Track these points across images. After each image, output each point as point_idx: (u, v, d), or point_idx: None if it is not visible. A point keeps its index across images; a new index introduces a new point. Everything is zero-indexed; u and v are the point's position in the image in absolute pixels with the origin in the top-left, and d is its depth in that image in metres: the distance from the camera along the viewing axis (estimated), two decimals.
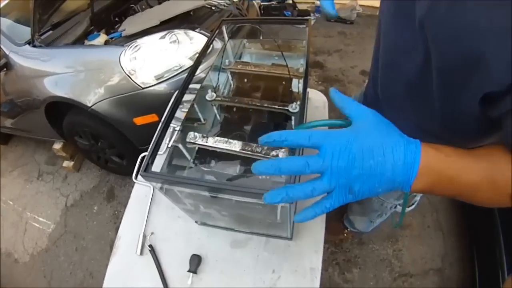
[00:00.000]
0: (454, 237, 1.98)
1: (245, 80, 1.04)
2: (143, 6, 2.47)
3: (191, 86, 0.86)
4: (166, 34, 1.87)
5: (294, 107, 0.86)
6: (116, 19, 2.41)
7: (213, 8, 2.30)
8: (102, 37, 2.12)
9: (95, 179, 2.64)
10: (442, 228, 2.02)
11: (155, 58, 1.79)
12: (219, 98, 0.93)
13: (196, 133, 0.80)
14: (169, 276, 0.95)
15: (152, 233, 1.04)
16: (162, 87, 1.78)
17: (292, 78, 0.96)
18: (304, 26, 1.02)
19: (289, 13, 3.63)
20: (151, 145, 0.71)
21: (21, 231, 2.42)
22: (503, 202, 0.44)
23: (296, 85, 0.99)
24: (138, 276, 0.97)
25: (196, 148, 0.84)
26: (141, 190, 1.19)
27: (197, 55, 0.92)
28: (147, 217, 1.09)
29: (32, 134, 2.64)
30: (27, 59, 1.98)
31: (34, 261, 2.22)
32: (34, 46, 1.97)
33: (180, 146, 0.83)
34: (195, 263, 0.92)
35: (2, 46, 2.04)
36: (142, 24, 2.08)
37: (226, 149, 0.76)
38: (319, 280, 0.87)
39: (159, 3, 2.41)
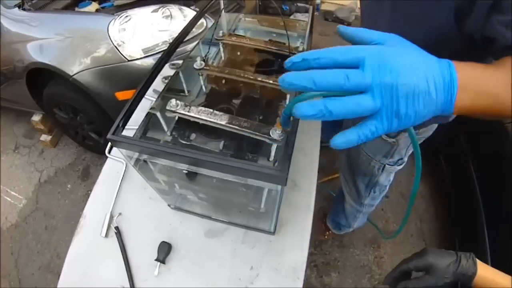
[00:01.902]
0: (436, 247, 1.94)
1: (238, 53, 0.94)
2: None
3: (175, 62, 0.76)
4: (159, 8, 1.75)
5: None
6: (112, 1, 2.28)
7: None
8: (93, 6, 1.99)
9: (72, 156, 2.51)
10: (425, 237, 1.98)
11: (145, 31, 1.67)
12: (208, 68, 0.82)
13: (178, 101, 0.70)
14: (134, 263, 0.84)
15: (119, 214, 0.94)
16: (148, 62, 1.66)
17: (292, 54, 0.87)
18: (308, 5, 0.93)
19: (287, 7, 3.54)
20: (125, 107, 0.61)
21: None
22: None
23: None
24: (100, 261, 0.86)
25: (176, 118, 0.73)
26: (114, 166, 1.08)
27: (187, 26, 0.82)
28: (116, 195, 0.98)
29: (13, 104, 2.50)
30: (15, 23, 1.84)
31: (3, 237, 2.10)
32: (24, 9, 1.84)
33: (158, 114, 0.72)
34: (164, 251, 0.82)
35: None
36: None
37: (211, 121, 0.66)
38: (302, 281, 0.78)
39: None
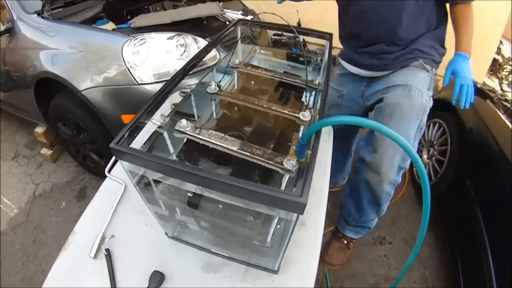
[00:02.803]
0: None
1: (252, 82, 0.93)
2: (158, 8, 2.43)
3: (185, 90, 0.76)
4: (174, 36, 1.78)
5: (305, 116, 0.74)
6: (128, 17, 2.35)
7: (227, 22, 2.26)
8: (110, 25, 2.03)
9: (70, 174, 2.46)
10: (428, 283, 1.88)
11: (158, 57, 1.68)
12: (221, 93, 0.81)
13: (188, 122, 0.67)
14: None
15: (112, 236, 0.88)
16: (158, 88, 1.66)
17: (305, 88, 0.86)
18: (326, 40, 0.95)
19: (298, 50, 3.65)
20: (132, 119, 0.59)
21: None
22: None
23: (307, 97, 0.89)
24: (85, 282, 0.80)
25: (184, 141, 0.71)
26: (112, 186, 1.04)
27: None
28: (111, 217, 0.92)
29: (19, 112, 2.49)
30: (32, 29, 1.87)
31: None
32: (42, 17, 1.87)
33: (165, 134, 0.69)
34: (156, 281, 0.76)
35: (11, 11, 1.94)
36: (153, 20, 2.01)
37: (221, 146, 0.63)
38: None
39: (174, 8, 2.37)
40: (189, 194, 0.63)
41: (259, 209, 0.52)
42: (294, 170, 0.58)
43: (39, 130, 2.40)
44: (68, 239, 0.88)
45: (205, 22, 2.14)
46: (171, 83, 0.71)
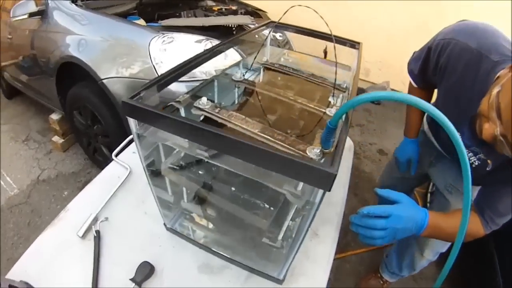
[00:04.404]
0: None
1: (279, 78, 0.88)
2: (189, 15, 2.47)
3: None
4: (203, 40, 1.78)
5: (332, 112, 0.68)
6: (160, 21, 2.40)
7: (256, 36, 2.27)
8: (141, 22, 2.06)
9: (78, 166, 2.43)
10: None
11: (184, 57, 1.67)
12: (247, 81, 0.76)
13: (208, 101, 0.62)
14: (104, 276, 0.70)
15: (106, 219, 0.81)
16: (180, 89, 1.63)
17: (332, 89, 0.80)
18: (355, 49, 0.90)
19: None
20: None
21: None
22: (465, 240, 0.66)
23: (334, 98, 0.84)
24: (67, 261, 0.73)
25: (201, 119, 0.65)
26: (116, 170, 0.99)
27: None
28: (108, 199, 0.86)
29: (38, 96, 2.52)
30: (64, 15, 1.90)
31: None
32: (76, 5, 1.91)
33: (181, 110, 0.64)
34: (144, 273, 0.67)
35: None
36: (184, 22, 2.03)
37: (241, 128, 0.57)
38: None
39: (205, 16, 2.41)
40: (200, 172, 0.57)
41: (278, 188, 0.45)
42: (317, 160, 0.51)
43: (55, 117, 2.41)
44: (59, 215, 0.83)
45: (234, 32, 2.16)
46: (196, 59, 0.66)
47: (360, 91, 3.55)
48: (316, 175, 0.38)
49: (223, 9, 2.59)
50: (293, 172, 0.39)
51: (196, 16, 2.47)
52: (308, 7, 0.79)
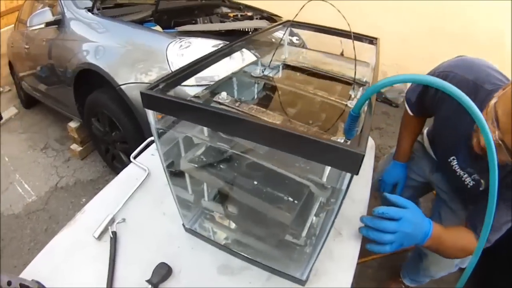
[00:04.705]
0: None
1: (298, 74, 0.86)
2: (205, 21, 2.50)
3: None
4: (220, 44, 1.78)
5: (353, 104, 0.65)
6: (176, 28, 2.43)
7: (272, 40, 2.26)
8: (157, 28, 2.09)
9: (96, 173, 2.46)
10: None
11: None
12: (266, 77, 0.75)
13: (228, 95, 0.61)
14: (120, 277, 0.68)
15: (123, 220, 0.80)
16: (197, 91, 1.63)
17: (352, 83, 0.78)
18: (373, 45, 0.88)
19: None
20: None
21: (1, 188, 2.28)
22: (459, 255, 0.84)
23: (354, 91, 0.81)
24: (81, 262, 0.71)
25: None
26: (134, 172, 0.99)
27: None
28: (126, 201, 0.85)
29: (56, 104, 2.57)
30: (80, 23, 1.95)
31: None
32: (92, 13, 1.95)
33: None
34: (161, 274, 0.65)
35: (62, 4, 2.05)
36: (200, 28, 2.05)
37: (263, 120, 0.55)
38: None
39: (221, 22, 2.43)
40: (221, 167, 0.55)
41: (302, 180, 0.42)
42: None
43: (73, 125, 2.46)
44: (75, 216, 0.82)
45: (257, 42, 2.16)
46: (210, 57, 0.66)
47: (379, 94, 3.49)
48: (343, 157, 0.35)
49: (239, 15, 2.61)
50: (318, 155, 0.37)
51: (212, 23, 2.49)
52: (326, 1, 0.77)
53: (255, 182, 0.53)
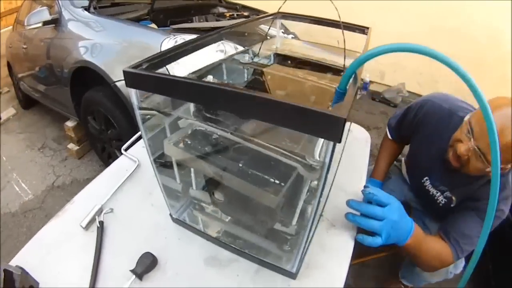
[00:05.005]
0: None
1: (289, 61, 0.85)
2: (201, 20, 2.49)
3: None
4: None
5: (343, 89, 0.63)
6: (171, 26, 2.43)
7: (268, 37, 2.25)
8: (153, 26, 2.09)
9: (92, 172, 2.45)
10: None
11: (197, 58, 1.67)
12: (255, 63, 0.73)
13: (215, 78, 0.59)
14: (105, 267, 0.66)
15: (111, 210, 0.77)
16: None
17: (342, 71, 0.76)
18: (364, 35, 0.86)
19: None
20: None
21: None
22: (433, 263, 0.85)
23: None
24: (68, 252, 0.69)
25: None
26: (124, 164, 0.96)
27: None
28: (115, 191, 0.83)
29: (54, 104, 2.57)
30: (77, 22, 1.95)
31: None
32: (89, 12, 1.96)
33: None
34: (145, 264, 0.63)
35: (59, 3, 2.06)
36: (194, 25, 2.04)
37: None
38: None
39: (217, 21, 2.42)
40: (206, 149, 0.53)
41: (288, 159, 0.40)
42: None
43: (70, 124, 2.45)
44: (64, 207, 0.80)
45: (246, 35, 2.15)
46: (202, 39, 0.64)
47: (377, 94, 3.49)
48: (324, 123, 0.33)
49: (235, 15, 2.60)
50: (298, 122, 0.35)
51: (207, 21, 2.49)
52: None
53: (240, 165, 0.51)
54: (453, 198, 0.96)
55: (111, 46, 1.75)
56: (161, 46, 1.63)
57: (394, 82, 3.54)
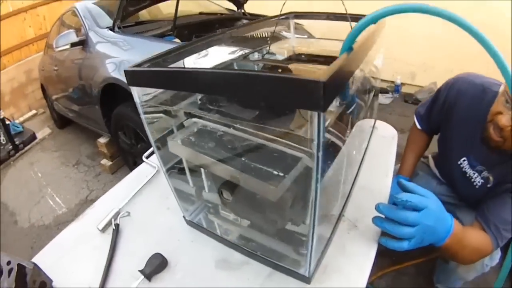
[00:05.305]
0: None
1: (302, 56, 0.82)
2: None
3: None
4: (236, 50, 1.79)
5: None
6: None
7: (280, 38, 2.23)
8: (176, 41, 2.15)
9: None
10: None
11: (208, 60, 1.68)
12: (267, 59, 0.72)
13: None
14: (117, 268, 0.66)
15: (128, 213, 0.78)
16: None
17: None
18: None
19: None
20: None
21: (34, 201, 2.40)
22: (473, 257, 0.77)
23: None
24: (84, 253, 0.71)
25: None
26: (145, 170, 0.99)
27: None
28: (133, 195, 0.85)
29: (87, 122, 2.70)
30: (103, 41, 2.05)
31: (30, 231, 2.12)
32: (113, 31, 2.04)
33: None
34: (154, 265, 0.61)
35: (85, 25, 2.19)
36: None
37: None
38: None
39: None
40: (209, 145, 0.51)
41: (292, 150, 0.37)
42: None
43: (102, 140, 2.55)
44: (85, 211, 0.83)
45: (268, 41, 2.16)
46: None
47: (409, 96, 3.34)
48: (302, 91, 0.30)
49: None
50: (276, 95, 0.33)
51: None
52: None
53: (243, 159, 0.49)
54: (490, 178, 0.91)
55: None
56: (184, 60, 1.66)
57: (425, 82, 3.39)
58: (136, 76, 0.52)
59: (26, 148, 3.18)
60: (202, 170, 0.64)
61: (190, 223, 0.73)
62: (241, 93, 0.37)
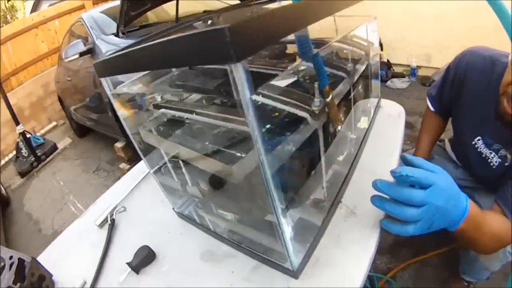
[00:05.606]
0: None
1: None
2: None
3: None
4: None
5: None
6: None
7: None
8: None
9: None
10: None
11: None
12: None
13: None
14: (111, 261, 0.67)
15: (123, 208, 0.80)
16: None
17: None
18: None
19: (383, 72, 3.40)
20: None
21: (56, 208, 2.48)
22: (491, 245, 0.65)
23: None
24: (82, 248, 0.74)
25: None
26: (144, 167, 0.99)
27: None
28: (130, 190, 0.87)
29: (104, 128, 2.76)
30: (110, 47, 2.07)
31: (53, 237, 2.17)
32: (119, 37, 2.08)
33: None
34: (141, 257, 0.61)
35: (92, 33, 2.25)
36: None
37: None
38: None
39: None
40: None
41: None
42: None
43: (119, 145, 2.60)
44: (88, 208, 0.86)
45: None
46: None
47: (426, 79, 3.18)
48: (210, 45, 0.28)
49: None
50: (190, 54, 0.30)
51: None
52: None
53: (206, 143, 0.45)
54: (508, 156, 0.86)
55: None
56: None
57: (441, 63, 3.24)
58: (102, 67, 0.52)
59: (48, 159, 3.30)
60: (181, 162, 0.62)
61: (180, 215, 0.73)
62: (161, 61, 0.37)
